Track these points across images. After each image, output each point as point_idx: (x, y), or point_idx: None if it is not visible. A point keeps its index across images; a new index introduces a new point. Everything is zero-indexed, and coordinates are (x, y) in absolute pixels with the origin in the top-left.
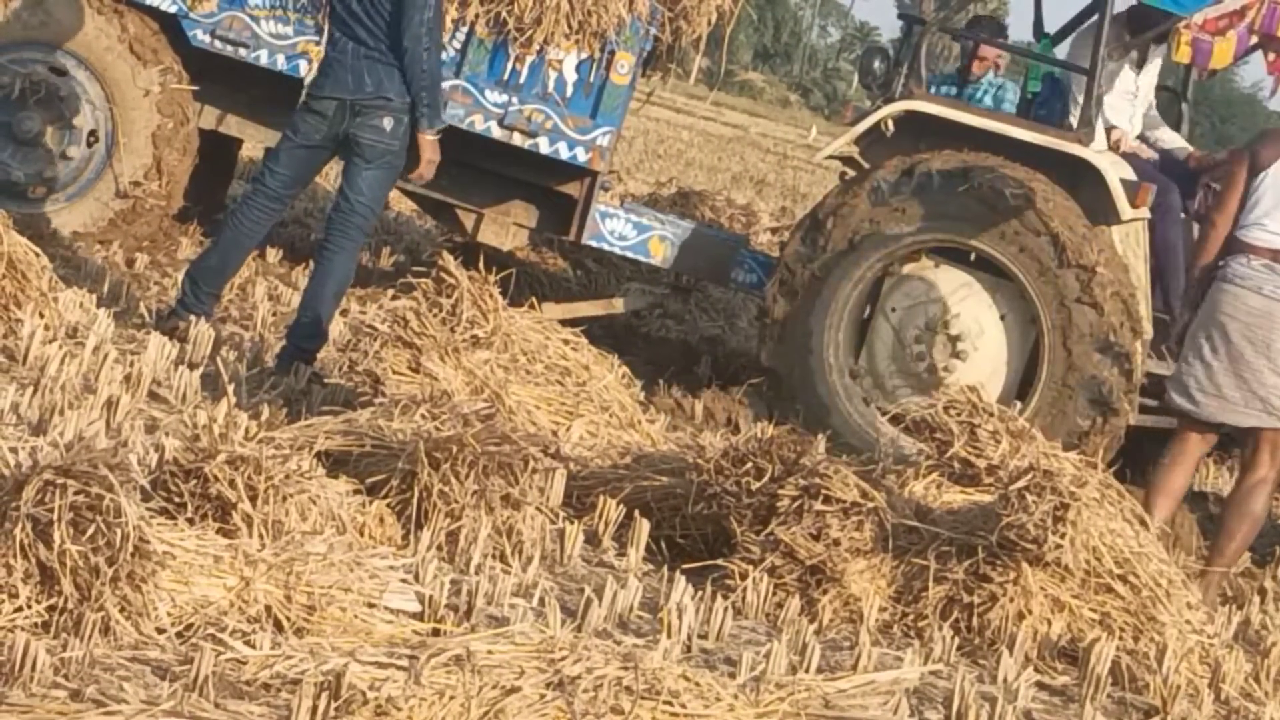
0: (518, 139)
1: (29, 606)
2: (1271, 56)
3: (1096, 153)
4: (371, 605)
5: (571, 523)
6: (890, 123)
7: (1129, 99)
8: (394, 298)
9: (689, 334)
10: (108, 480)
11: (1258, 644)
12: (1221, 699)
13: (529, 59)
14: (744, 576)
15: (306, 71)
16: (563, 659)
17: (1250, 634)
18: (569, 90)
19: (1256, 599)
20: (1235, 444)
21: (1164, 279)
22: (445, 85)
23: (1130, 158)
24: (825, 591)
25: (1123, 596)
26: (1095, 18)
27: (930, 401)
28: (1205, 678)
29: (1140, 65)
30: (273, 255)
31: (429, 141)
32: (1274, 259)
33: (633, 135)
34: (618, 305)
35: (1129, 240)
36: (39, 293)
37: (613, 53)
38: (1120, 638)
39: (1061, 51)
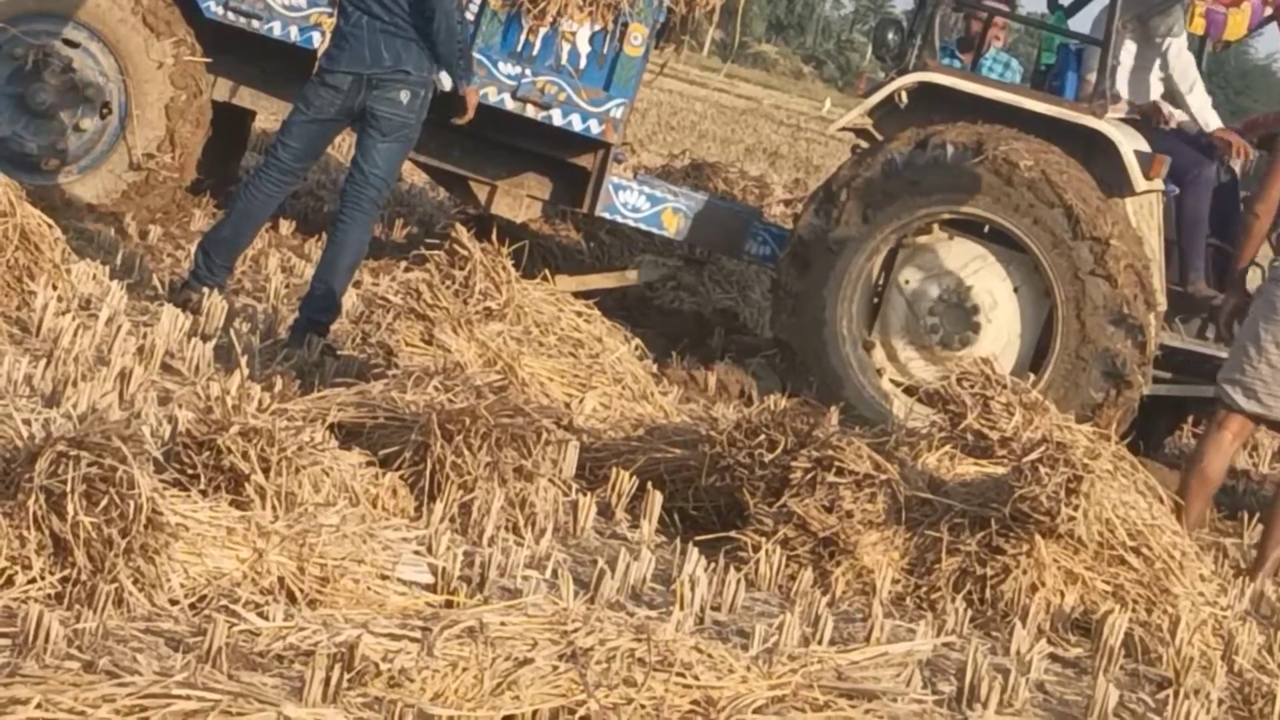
0: (531, 111)
1: (42, 578)
2: None
3: (1110, 124)
4: (384, 577)
5: (584, 495)
6: (904, 95)
7: (1156, 71)
8: (407, 270)
9: (702, 306)
10: (121, 452)
11: (1270, 616)
12: (1234, 671)
13: (542, 31)
14: (757, 548)
15: (319, 44)
16: (575, 630)
17: (1264, 606)
18: (582, 62)
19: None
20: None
21: (1183, 252)
22: None
23: (1174, 132)
24: (838, 563)
25: (1136, 568)
26: None
27: (944, 374)
28: (1218, 650)
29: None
30: (286, 227)
31: (472, 91)
32: None
33: (646, 107)
34: (631, 277)
35: (1143, 212)
36: (52, 265)
37: (626, 25)
38: (1133, 610)
39: (1075, 23)
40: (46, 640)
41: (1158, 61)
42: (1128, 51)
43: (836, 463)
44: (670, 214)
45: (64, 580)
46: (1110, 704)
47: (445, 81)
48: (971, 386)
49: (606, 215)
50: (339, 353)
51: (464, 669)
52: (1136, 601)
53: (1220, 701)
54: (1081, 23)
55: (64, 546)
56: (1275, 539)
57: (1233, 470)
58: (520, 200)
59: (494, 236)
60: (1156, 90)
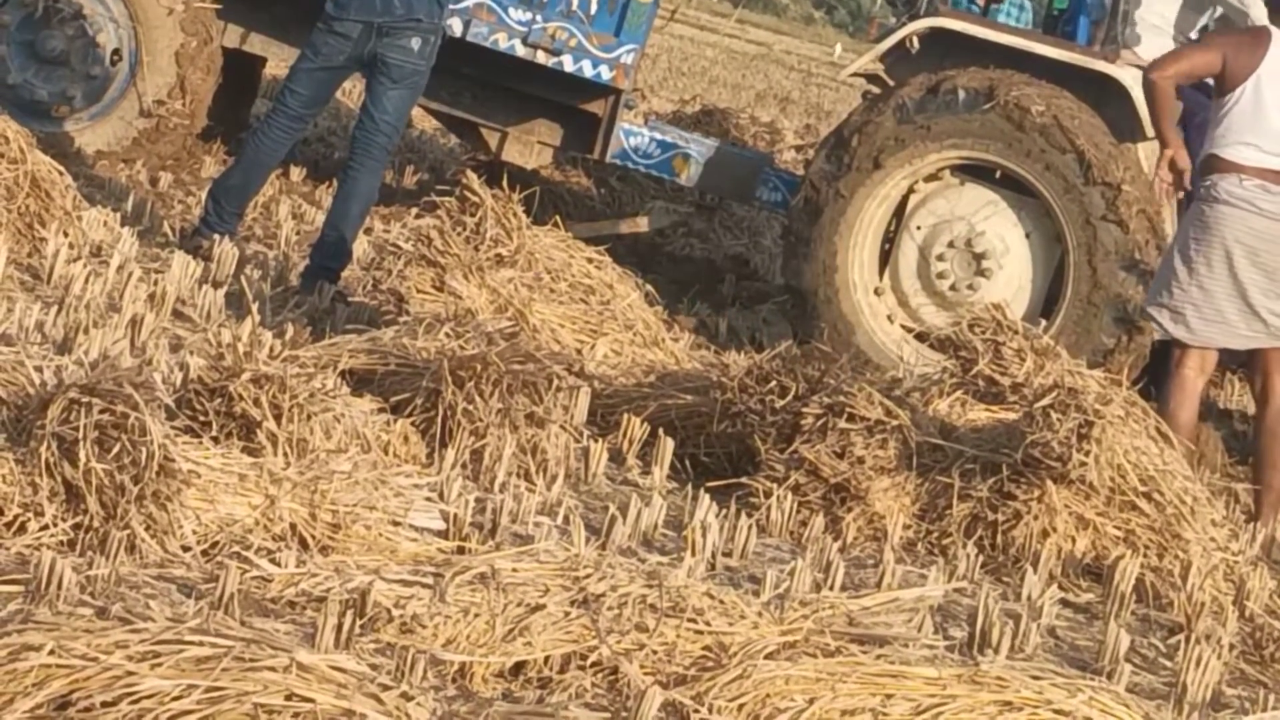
0: (541, 57)
1: (55, 525)
2: None
3: (1122, 69)
4: (396, 523)
5: (596, 441)
6: (915, 40)
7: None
8: (418, 216)
9: (713, 252)
10: (133, 399)
11: None
12: (1246, 616)
13: None
14: (768, 494)
15: None
16: (587, 577)
17: (1275, 551)
18: (593, 8)
19: None
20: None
21: (1189, 196)
22: (469, 3)
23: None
24: (849, 509)
25: (1147, 514)
26: None
27: (955, 320)
28: (1230, 595)
29: None
30: (296, 174)
31: None
32: (1269, 179)
33: (656, 53)
34: (642, 224)
35: (1154, 157)
36: (63, 212)
37: None
38: (1144, 555)
39: None
40: (59, 587)
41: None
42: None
43: (848, 409)
44: (681, 160)
45: (76, 527)
46: (1121, 649)
47: (456, 27)
48: (983, 332)
49: (617, 161)
50: (350, 299)
51: (476, 615)
52: (1148, 547)
53: (1231, 646)
54: None
55: (76, 493)
56: (1268, 480)
57: (1244, 415)
58: (531, 146)
59: (505, 183)
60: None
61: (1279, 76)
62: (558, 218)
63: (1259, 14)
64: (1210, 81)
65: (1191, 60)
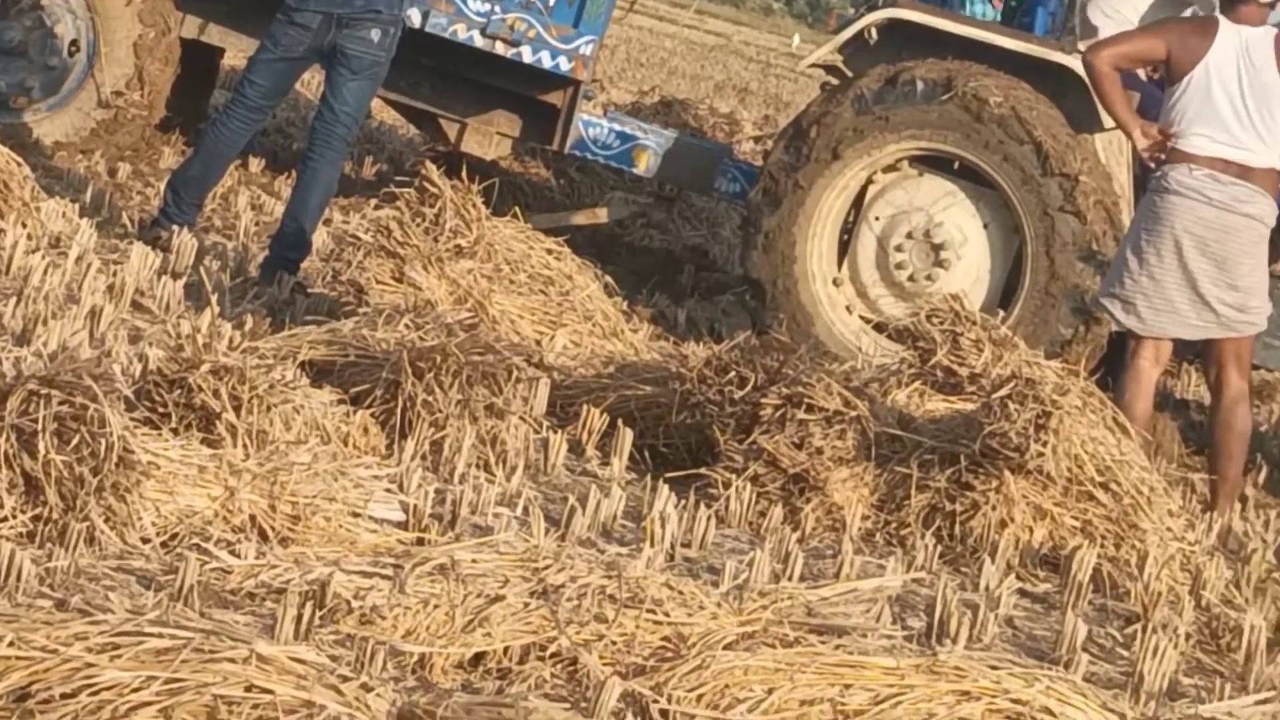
0: (500, 48)
1: (14, 517)
2: None
3: (1079, 60)
4: (356, 515)
5: (555, 432)
6: (874, 31)
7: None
8: (377, 207)
9: (672, 243)
10: (92, 390)
11: (1238, 551)
12: (1202, 605)
13: None
14: (727, 485)
15: None
16: (546, 568)
17: (1231, 541)
18: None
19: (1237, 506)
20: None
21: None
22: None
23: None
24: (808, 500)
25: (1104, 504)
26: None
27: (913, 310)
28: (1186, 584)
29: None
30: (255, 165)
31: None
32: (1219, 168)
33: (615, 44)
34: (601, 215)
35: (1112, 148)
36: (21, 203)
37: None
38: (1102, 545)
39: None
40: (18, 579)
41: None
42: None
43: (806, 400)
44: (640, 151)
45: (35, 519)
46: (1079, 638)
47: (415, 17)
48: (941, 323)
49: (576, 152)
50: (309, 290)
51: (435, 606)
52: (1105, 537)
53: (1188, 636)
54: None
55: (35, 485)
56: (1222, 470)
57: (1200, 405)
58: (490, 137)
59: (464, 174)
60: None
61: (1228, 66)
62: (517, 209)
63: None
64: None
65: (1134, 44)
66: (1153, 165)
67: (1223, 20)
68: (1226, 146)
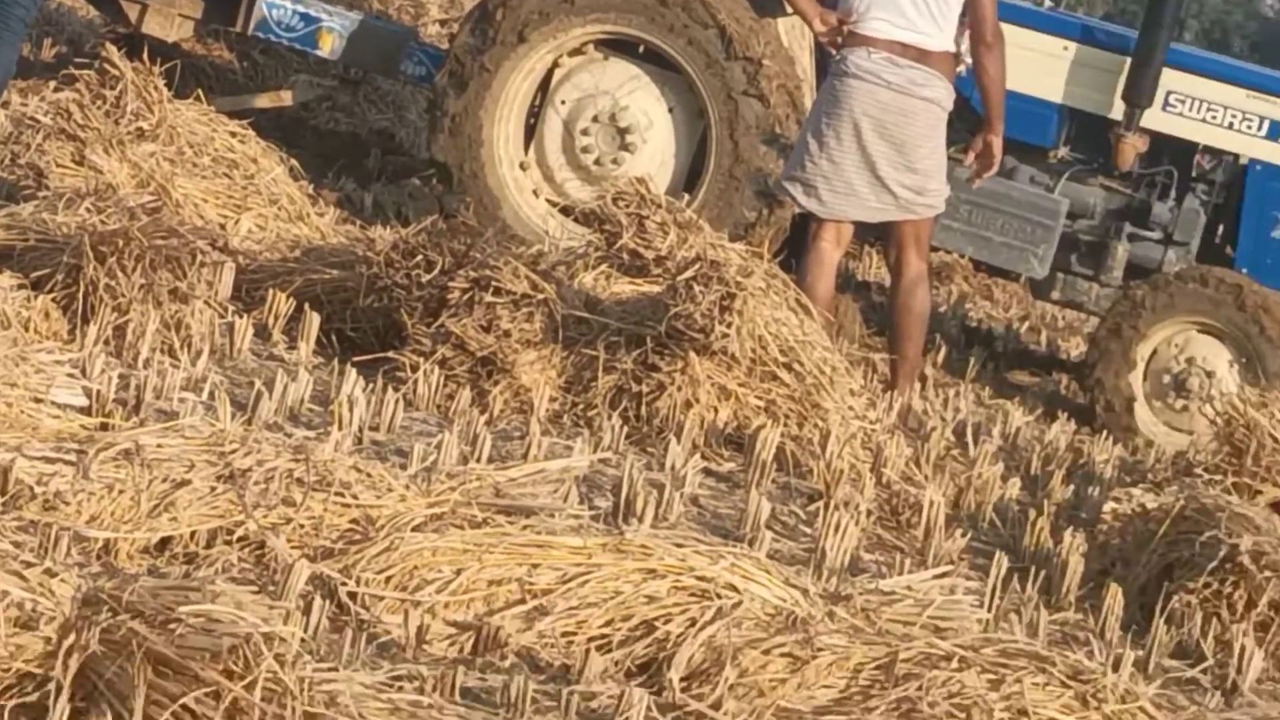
0: None
1: None
2: None
3: None
4: (38, 400)
5: (240, 316)
6: None
7: None
8: (57, 90)
9: (358, 127)
10: None
11: (918, 430)
12: (883, 483)
13: None
14: (415, 369)
15: None
16: (233, 452)
17: (911, 420)
18: None
19: (917, 385)
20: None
21: None
22: None
23: None
24: (496, 383)
25: (787, 384)
26: None
27: (599, 194)
28: (867, 462)
29: None
30: None
31: None
32: (896, 51)
33: None
34: (285, 98)
35: (794, 33)
36: None
37: None
38: (785, 424)
39: None
40: None
41: None
42: None
43: (494, 283)
44: (325, 34)
45: None
46: (763, 516)
47: None
48: (626, 206)
49: (260, 35)
50: None
51: (120, 491)
52: (788, 416)
53: (869, 512)
54: None
55: None
56: (902, 350)
57: (881, 286)
58: (171, 19)
59: (145, 56)
60: None
61: None
62: (200, 91)
63: None
64: None
65: None
66: (832, 51)
67: None
68: (904, 30)
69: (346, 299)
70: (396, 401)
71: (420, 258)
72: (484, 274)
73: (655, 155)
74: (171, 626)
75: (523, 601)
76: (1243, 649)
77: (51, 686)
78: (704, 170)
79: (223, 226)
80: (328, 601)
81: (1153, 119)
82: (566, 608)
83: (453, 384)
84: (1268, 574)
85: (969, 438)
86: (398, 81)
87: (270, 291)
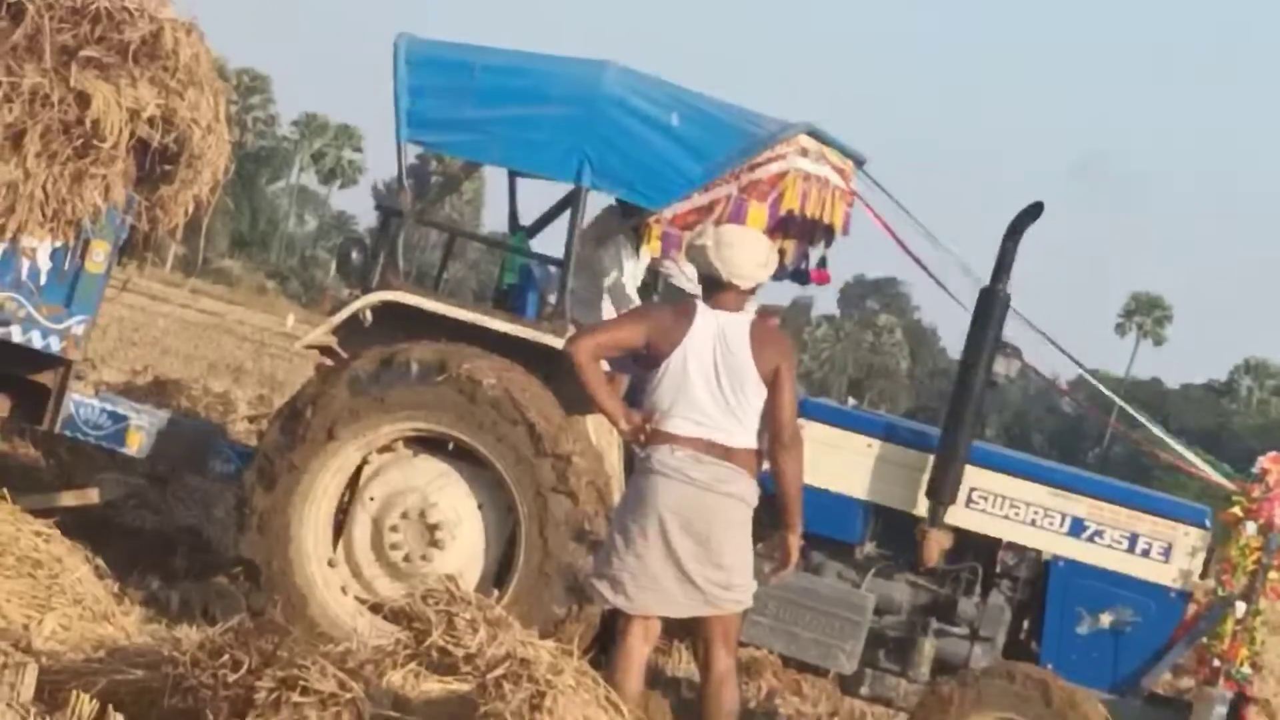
0: None
1: None
2: None
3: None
4: None
5: (44, 719)
6: (368, 312)
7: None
8: None
9: (165, 524)
10: None
11: None
12: None
13: (1, 247)
14: None
15: None
16: None
17: None
18: (43, 279)
19: None
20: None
21: None
22: None
23: None
24: None
25: None
26: (569, 211)
27: (408, 590)
28: None
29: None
30: None
31: None
32: (700, 449)
33: (107, 322)
34: (92, 495)
35: (603, 429)
36: None
37: (88, 241)
38: None
39: (537, 244)
40: None
41: (606, 296)
42: (581, 280)
43: (301, 682)
44: (133, 431)
45: None
46: None
47: None
48: (435, 603)
49: (67, 433)
50: None
51: None
52: None
53: None
54: (545, 244)
55: None
56: None
57: (691, 683)
58: None
59: None
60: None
61: (704, 350)
62: (4, 490)
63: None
64: None
65: (611, 333)
66: (637, 449)
67: (701, 305)
68: (707, 428)
69: (151, 700)
70: None
71: (227, 657)
72: (291, 673)
73: (465, 551)
74: None
75: None
76: None
77: None
78: (514, 566)
79: (25, 627)
80: None
81: (957, 515)
82: None
83: None
84: None
85: None
86: (206, 478)
87: (74, 693)
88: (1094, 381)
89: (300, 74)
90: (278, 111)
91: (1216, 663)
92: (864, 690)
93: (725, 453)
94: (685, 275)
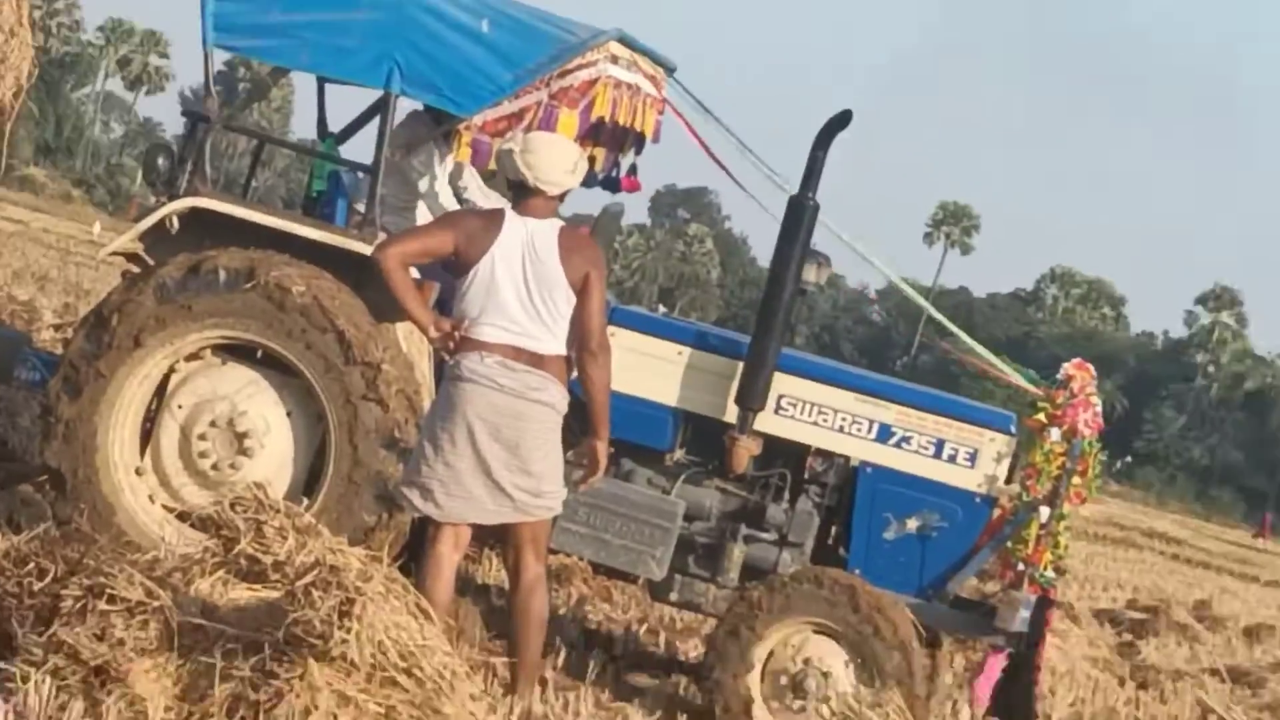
0: None
1: None
2: None
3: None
4: None
5: None
6: (175, 219)
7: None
8: None
9: None
10: None
11: None
12: None
13: None
14: (26, 679)
15: None
16: None
17: None
18: None
19: (537, 688)
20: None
21: None
22: None
23: None
24: (110, 692)
25: (408, 689)
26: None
27: (217, 499)
28: None
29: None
30: None
31: None
32: (509, 356)
33: None
34: None
35: (413, 337)
36: None
37: None
38: None
39: (347, 150)
40: None
41: (419, 203)
42: (392, 187)
43: (108, 590)
44: None
45: None
46: None
47: None
48: (244, 511)
49: None
50: None
51: None
52: None
53: None
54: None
55: None
56: (521, 654)
57: (500, 590)
58: None
59: None
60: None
61: (513, 256)
62: None
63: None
64: None
65: (421, 241)
66: (446, 356)
67: (509, 212)
68: (516, 335)
69: None
70: (7, 713)
71: (32, 565)
72: (98, 581)
73: (274, 460)
74: None
75: None
76: None
77: None
78: (323, 474)
79: None
80: None
81: (765, 422)
82: None
83: (65, 694)
84: None
85: None
86: (11, 387)
87: None
88: (905, 288)
89: None
90: (82, 16)
91: (1021, 567)
92: (673, 596)
93: (535, 360)
94: (479, 188)
